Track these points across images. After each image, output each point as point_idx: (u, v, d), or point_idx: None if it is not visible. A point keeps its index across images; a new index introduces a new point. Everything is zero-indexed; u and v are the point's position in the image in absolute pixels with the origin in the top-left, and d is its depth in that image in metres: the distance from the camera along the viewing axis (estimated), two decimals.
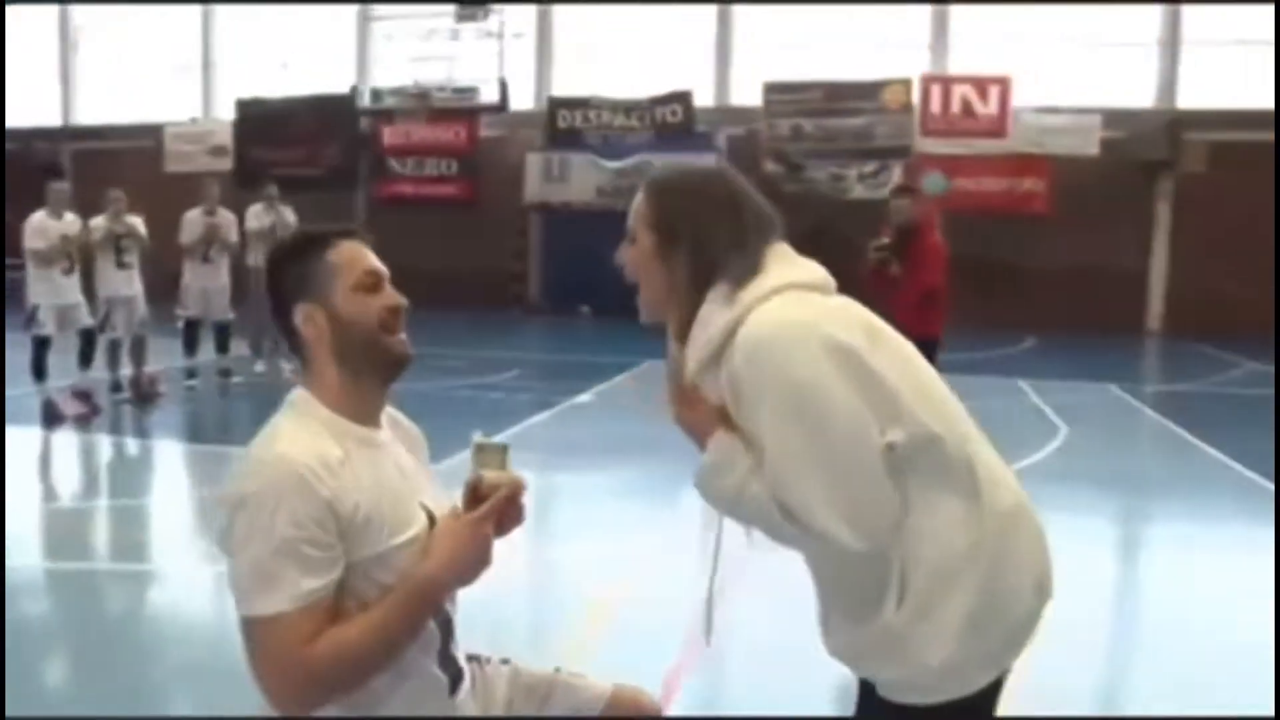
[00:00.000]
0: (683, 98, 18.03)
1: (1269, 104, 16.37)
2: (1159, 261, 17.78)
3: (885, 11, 17.54)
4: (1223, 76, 16.85)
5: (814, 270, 1.89)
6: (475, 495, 1.80)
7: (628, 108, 18.27)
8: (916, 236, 6.46)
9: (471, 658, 1.96)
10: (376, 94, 19.29)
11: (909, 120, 17.44)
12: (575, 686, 2.03)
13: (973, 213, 16.63)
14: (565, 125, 18.49)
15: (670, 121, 18.04)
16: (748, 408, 1.75)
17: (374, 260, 1.86)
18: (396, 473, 1.82)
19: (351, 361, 1.80)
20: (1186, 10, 17.26)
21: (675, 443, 1.93)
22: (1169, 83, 17.50)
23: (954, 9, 17.77)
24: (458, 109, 18.65)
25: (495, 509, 1.79)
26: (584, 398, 9.63)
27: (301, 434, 1.73)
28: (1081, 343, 14.99)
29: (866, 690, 1.93)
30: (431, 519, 1.82)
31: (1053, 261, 16.96)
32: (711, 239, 1.82)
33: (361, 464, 1.75)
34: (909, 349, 1.86)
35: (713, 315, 1.80)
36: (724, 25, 18.56)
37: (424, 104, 18.58)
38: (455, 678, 1.86)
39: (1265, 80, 16.35)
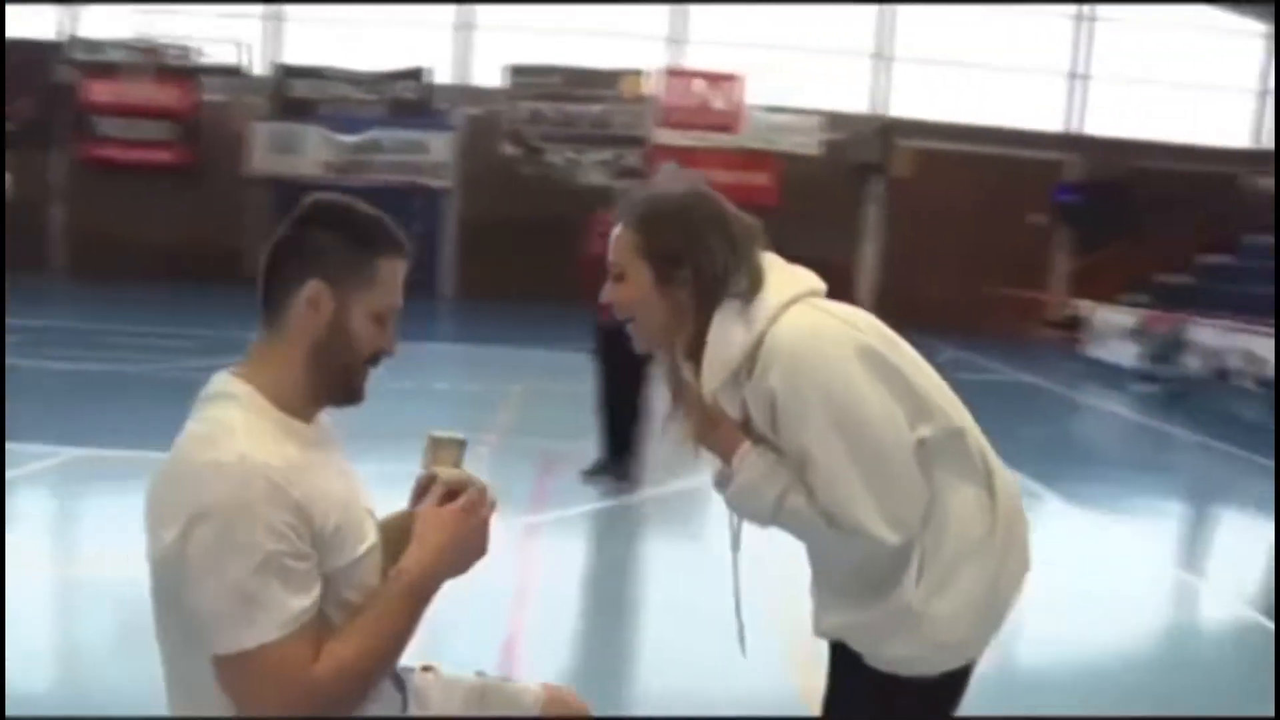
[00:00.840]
0: (419, 74, 17.64)
1: (970, 119, 18.10)
2: (867, 257, 19.14)
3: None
4: (930, 90, 18.38)
5: (811, 277, 1.89)
6: (427, 493, 1.68)
7: (362, 81, 17.65)
8: None
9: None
10: (93, 45, 17.51)
11: (646, 110, 17.85)
12: (507, 690, 1.93)
13: None
14: (295, 95, 17.62)
15: (406, 97, 17.61)
16: (790, 421, 1.75)
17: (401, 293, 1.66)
18: (341, 475, 1.65)
19: (320, 371, 1.60)
20: (900, 27, 18.64)
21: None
22: (882, 92, 18.86)
23: (693, 7, 18.35)
24: (181, 68, 17.33)
25: (480, 499, 1.66)
26: None
27: (257, 432, 1.51)
28: None
29: (847, 666, 1.96)
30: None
31: (778, 252, 17.88)
32: (710, 259, 1.80)
33: (318, 467, 1.57)
34: (912, 349, 1.89)
35: (729, 333, 1.79)
36: (465, 3, 18.27)
37: (153, 60, 17.14)
38: (404, 693, 1.74)
39: (968, 97, 18.04)
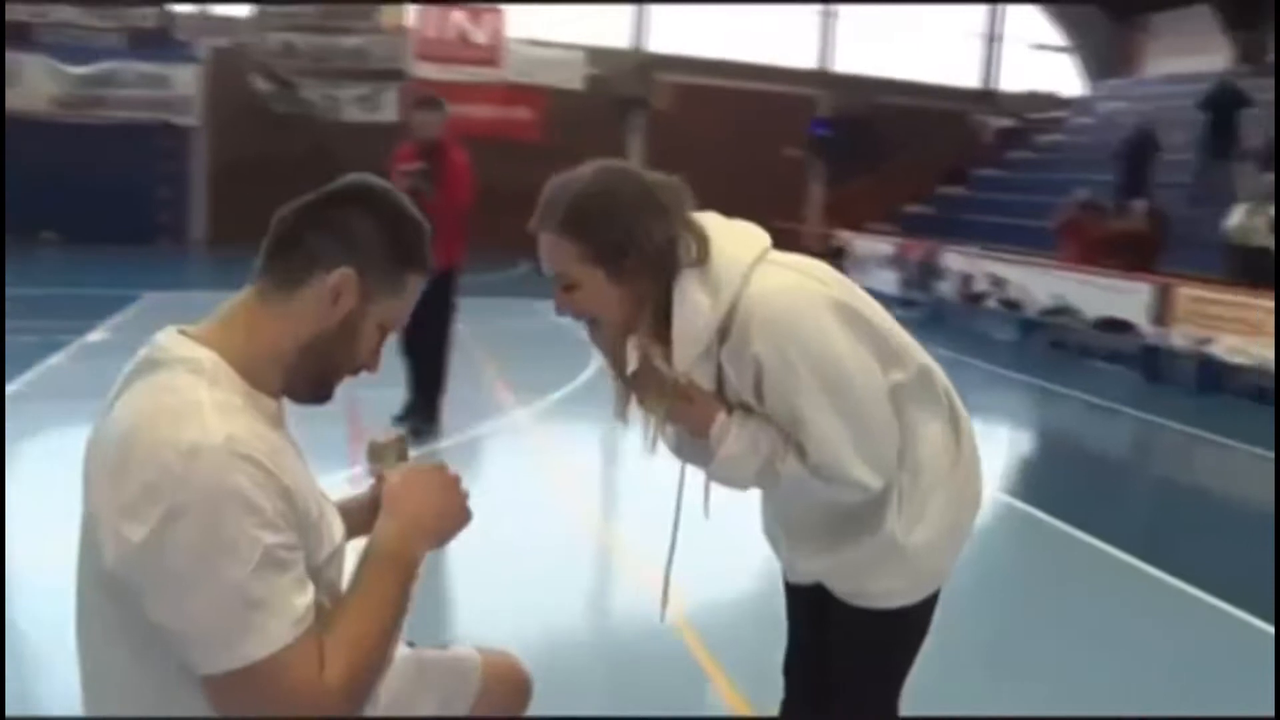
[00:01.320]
0: (157, 1, 16.31)
1: (727, 54, 18.59)
2: None
3: None
4: (688, 26, 18.70)
5: (758, 231, 1.87)
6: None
7: (91, 5, 16.13)
8: (443, 155, 6.03)
9: None
10: None
11: (404, 44, 17.26)
12: (444, 659, 1.82)
13: (468, 139, 16.92)
14: (12, 19, 15.89)
15: (143, 26, 16.24)
16: (778, 387, 1.74)
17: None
18: (302, 460, 1.51)
19: (308, 364, 1.45)
20: None
21: None
22: (641, 27, 19.02)
23: None
24: None
25: (444, 468, 1.58)
26: (95, 336, 8.57)
27: (228, 408, 1.32)
28: None
29: (822, 610, 2.02)
30: None
31: (540, 189, 17.83)
32: (651, 237, 1.73)
33: (290, 449, 1.42)
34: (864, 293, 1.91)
35: (696, 305, 1.74)
36: None
37: None
38: None
39: (724, 34, 18.50)
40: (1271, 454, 7.02)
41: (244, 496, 1.24)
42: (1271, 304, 8.81)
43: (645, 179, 1.79)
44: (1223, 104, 13.02)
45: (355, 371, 1.51)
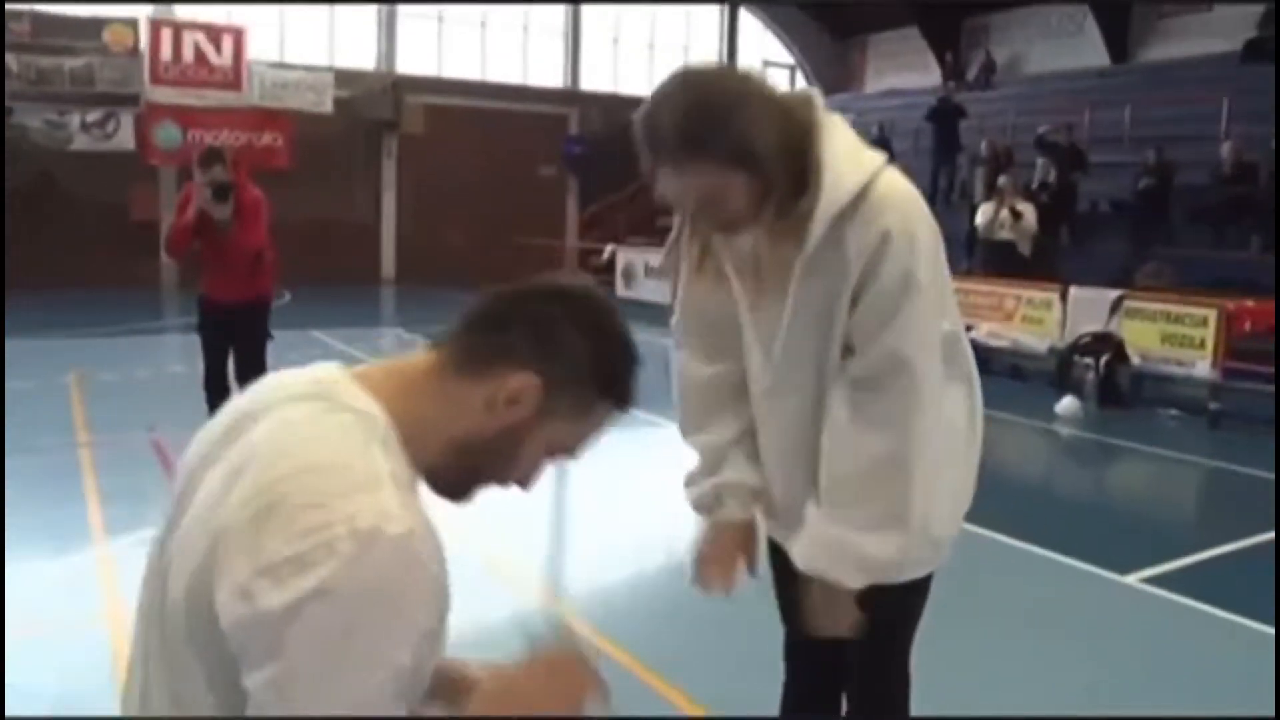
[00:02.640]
0: None
1: (473, 75, 18.65)
2: (388, 214, 19.09)
3: None
4: (433, 47, 18.65)
5: None
6: None
7: None
8: (240, 193, 5.82)
9: None
10: None
11: (137, 65, 16.25)
12: None
13: None
14: None
15: None
16: (898, 258, 1.68)
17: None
18: None
19: (458, 459, 1.27)
20: None
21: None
22: (389, 49, 18.77)
23: None
24: None
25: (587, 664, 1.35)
26: None
27: (405, 488, 1.14)
28: (330, 293, 15.36)
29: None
30: None
31: (294, 215, 17.19)
32: (766, 119, 1.66)
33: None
34: None
35: (839, 176, 1.68)
36: None
37: None
38: None
39: (470, 54, 18.54)
40: (1019, 417, 8.16)
41: (405, 604, 1.07)
42: (1020, 291, 9.84)
43: (727, 70, 1.73)
44: (946, 116, 14.33)
45: (505, 484, 1.33)
